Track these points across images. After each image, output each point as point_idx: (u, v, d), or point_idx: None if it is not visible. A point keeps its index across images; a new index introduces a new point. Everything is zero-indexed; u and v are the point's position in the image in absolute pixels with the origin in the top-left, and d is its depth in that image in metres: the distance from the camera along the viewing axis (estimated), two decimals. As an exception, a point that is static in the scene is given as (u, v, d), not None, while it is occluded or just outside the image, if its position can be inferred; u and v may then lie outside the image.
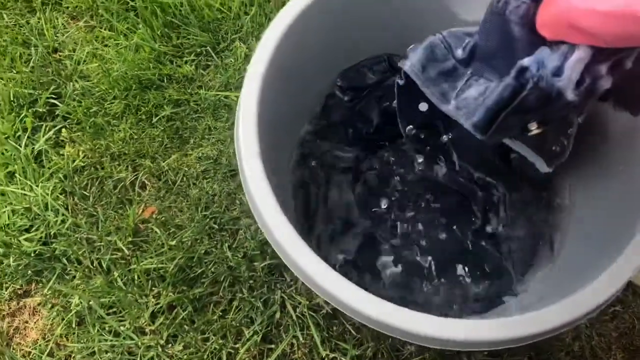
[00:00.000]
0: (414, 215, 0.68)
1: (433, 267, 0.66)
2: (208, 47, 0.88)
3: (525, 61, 0.38)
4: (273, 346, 0.72)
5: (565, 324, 0.46)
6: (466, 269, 0.66)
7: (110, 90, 0.85)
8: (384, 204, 0.69)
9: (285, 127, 0.67)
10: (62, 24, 0.92)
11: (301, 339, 0.72)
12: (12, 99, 0.84)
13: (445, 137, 0.63)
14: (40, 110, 0.84)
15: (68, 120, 0.84)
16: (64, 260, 0.76)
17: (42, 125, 0.84)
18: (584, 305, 0.46)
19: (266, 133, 0.53)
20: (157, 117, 0.84)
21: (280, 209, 0.49)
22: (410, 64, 0.49)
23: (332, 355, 0.71)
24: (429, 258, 0.66)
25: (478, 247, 0.67)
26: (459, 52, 0.47)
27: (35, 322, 0.75)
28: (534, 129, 0.44)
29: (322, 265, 0.47)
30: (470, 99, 0.45)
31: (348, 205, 0.70)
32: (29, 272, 0.76)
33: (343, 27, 0.62)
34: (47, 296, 0.75)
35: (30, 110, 0.84)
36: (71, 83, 0.86)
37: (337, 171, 0.71)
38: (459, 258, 0.66)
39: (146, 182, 0.81)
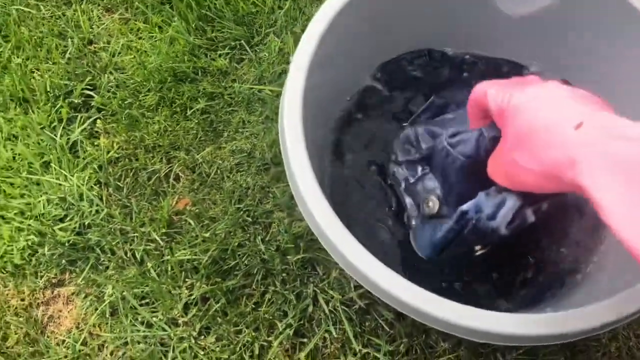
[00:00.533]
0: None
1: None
2: (242, 41, 0.89)
3: (465, 206, 0.48)
4: (306, 340, 0.72)
5: (613, 322, 0.46)
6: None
7: (145, 83, 0.86)
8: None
9: (324, 118, 0.68)
10: (97, 16, 0.93)
11: (334, 333, 0.72)
12: (48, 89, 0.86)
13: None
14: (76, 101, 0.86)
15: (103, 112, 0.86)
16: (98, 251, 0.77)
17: (77, 116, 0.85)
18: (632, 304, 0.46)
19: (308, 123, 0.54)
20: (192, 110, 0.85)
21: (325, 198, 0.50)
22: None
23: (364, 351, 0.71)
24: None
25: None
26: (423, 149, 0.59)
27: (69, 311, 0.76)
28: (478, 249, 0.58)
29: (367, 255, 0.48)
30: (420, 189, 0.59)
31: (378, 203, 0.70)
32: (63, 261, 0.77)
33: (386, 18, 0.63)
34: (81, 286, 0.76)
35: (65, 101, 0.85)
36: (106, 75, 0.88)
37: (372, 168, 0.71)
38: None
39: (180, 174, 0.82)
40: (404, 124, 0.69)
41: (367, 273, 0.46)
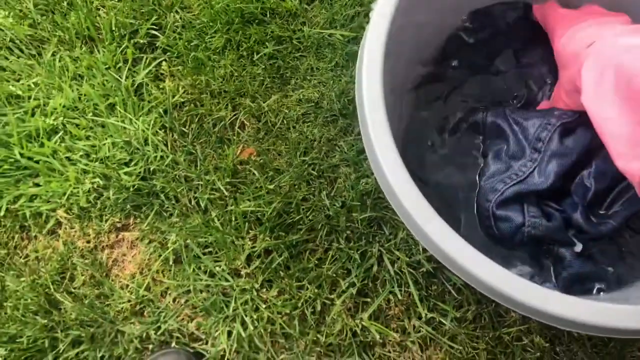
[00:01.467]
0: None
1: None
2: (313, -19, 0.85)
3: None
4: (369, 300, 0.72)
5: None
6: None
7: (211, 23, 0.84)
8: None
9: (405, 70, 0.64)
10: (164, -48, 0.90)
11: (399, 295, 0.71)
12: (113, 28, 0.85)
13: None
14: (141, 41, 0.84)
15: (168, 53, 0.84)
16: (162, 197, 0.77)
17: (143, 57, 0.84)
18: None
19: (388, 75, 0.50)
20: (259, 55, 0.82)
21: (403, 166, 0.47)
22: None
23: (430, 315, 0.70)
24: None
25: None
26: None
27: (133, 256, 0.77)
28: None
29: (447, 229, 0.45)
30: None
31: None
32: (128, 206, 0.78)
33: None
34: (145, 231, 0.77)
35: (131, 41, 0.84)
36: (172, 14, 0.86)
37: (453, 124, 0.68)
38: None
39: (245, 122, 0.80)
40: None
41: (449, 252, 0.44)
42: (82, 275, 0.75)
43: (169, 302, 0.74)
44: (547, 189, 0.56)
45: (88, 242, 0.77)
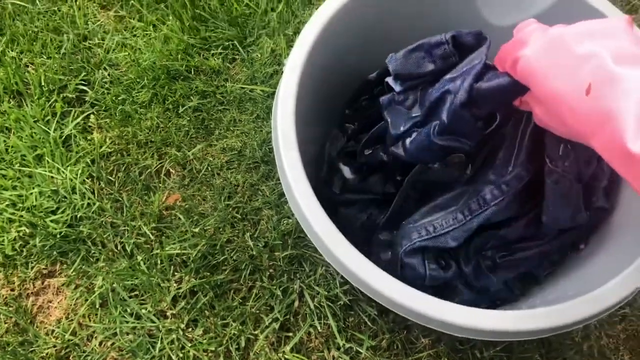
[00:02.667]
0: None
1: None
2: (235, 41, 0.94)
3: None
4: (291, 334, 0.77)
5: (581, 320, 0.51)
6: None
7: (138, 79, 0.91)
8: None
9: (319, 122, 0.72)
10: (93, 13, 0.97)
11: (319, 328, 0.77)
12: (42, 83, 0.90)
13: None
14: (70, 96, 0.90)
15: (96, 107, 0.90)
16: (89, 243, 0.81)
17: (71, 110, 0.89)
18: (601, 303, 0.51)
19: (301, 125, 0.58)
20: (184, 108, 0.89)
21: (315, 197, 0.54)
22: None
23: (348, 345, 0.76)
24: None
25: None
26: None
27: (59, 302, 0.79)
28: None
29: (359, 256, 0.52)
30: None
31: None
32: (55, 252, 0.81)
33: (378, 30, 0.68)
34: (72, 277, 0.80)
35: (60, 96, 0.89)
36: (100, 71, 0.92)
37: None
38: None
39: (171, 170, 0.86)
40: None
41: (350, 267, 0.51)
42: (5, 323, 0.77)
43: (95, 345, 0.76)
44: (451, 248, 0.63)
45: (12, 289, 0.79)
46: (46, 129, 0.86)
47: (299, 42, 0.58)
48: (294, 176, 0.52)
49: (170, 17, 0.94)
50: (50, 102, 0.88)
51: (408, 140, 0.60)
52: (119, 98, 0.89)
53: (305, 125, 0.59)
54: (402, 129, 0.60)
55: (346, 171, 0.73)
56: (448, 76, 0.57)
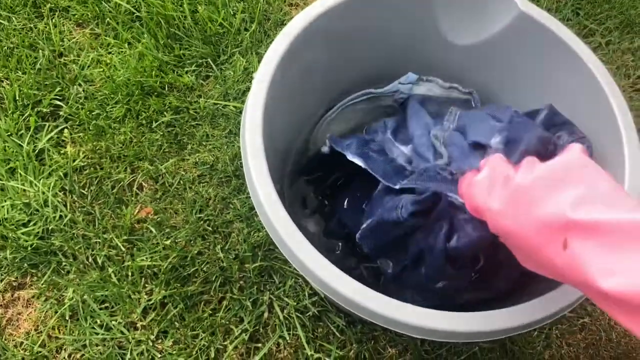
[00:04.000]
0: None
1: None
2: (209, 59, 0.97)
3: None
4: (260, 345, 0.79)
5: (539, 320, 0.53)
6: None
7: (112, 95, 0.93)
8: None
9: (285, 138, 0.76)
10: (69, 30, 1.01)
11: (288, 338, 0.79)
12: (16, 98, 0.92)
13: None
14: (44, 110, 0.92)
15: (70, 122, 0.92)
16: (60, 255, 0.83)
17: (45, 125, 0.91)
18: (556, 304, 0.54)
19: (268, 140, 0.61)
20: (157, 123, 0.92)
21: (282, 206, 0.57)
22: None
23: (316, 356, 0.78)
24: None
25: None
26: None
27: (28, 314, 0.81)
28: None
29: (323, 260, 0.54)
30: None
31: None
32: (25, 265, 0.82)
33: (344, 49, 0.72)
34: (42, 289, 0.81)
35: (34, 110, 0.92)
36: (75, 86, 0.94)
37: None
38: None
39: (144, 183, 0.89)
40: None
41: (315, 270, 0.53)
42: (-26, 335, 0.78)
43: (64, 357, 0.77)
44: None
45: (-19, 302, 0.80)
46: (19, 142, 0.88)
47: (266, 57, 0.62)
48: (260, 182, 0.55)
49: (145, 35, 0.97)
50: (24, 117, 0.90)
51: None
52: (93, 113, 0.92)
53: (274, 134, 0.62)
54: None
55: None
56: (419, 236, 0.60)
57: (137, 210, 0.86)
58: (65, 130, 0.90)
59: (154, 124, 0.91)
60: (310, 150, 0.77)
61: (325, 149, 0.69)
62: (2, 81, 0.94)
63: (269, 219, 0.53)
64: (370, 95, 0.74)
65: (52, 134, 0.89)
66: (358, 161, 0.65)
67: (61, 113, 0.92)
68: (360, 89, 0.75)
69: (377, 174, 0.63)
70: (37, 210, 0.84)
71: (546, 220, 0.37)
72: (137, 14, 0.99)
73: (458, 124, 0.67)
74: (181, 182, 0.87)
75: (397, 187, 0.61)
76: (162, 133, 0.90)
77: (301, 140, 0.78)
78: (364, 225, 0.62)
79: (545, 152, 0.59)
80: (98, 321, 0.78)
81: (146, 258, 0.81)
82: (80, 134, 0.90)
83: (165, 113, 0.92)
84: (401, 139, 0.70)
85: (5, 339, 0.78)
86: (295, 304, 0.79)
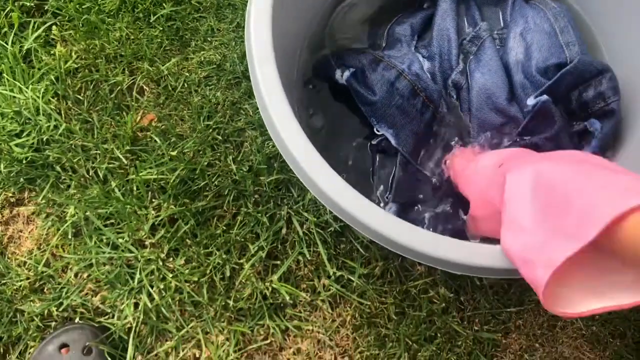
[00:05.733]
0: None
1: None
2: (211, -61, 0.86)
3: None
4: (279, 262, 0.74)
5: None
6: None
7: (103, -16, 0.83)
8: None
9: (296, 32, 0.67)
10: None
11: (308, 255, 0.74)
12: (-5, -10, 0.83)
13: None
14: (28, 4, 0.82)
15: (59, 17, 0.83)
16: (58, 168, 0.77)
17: (31, 21, 0.82)
18: None
19: (277, 36, 0.53)
20: (156, 16, 0.82)
21: (295, 118, 0.49)
22: None
23: (339, 274, 0.74)
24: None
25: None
26: None
27: (29, 232, 0.77)
28: None
29: (338, 180, 0.48)
30: None
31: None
32: (22, 179, 0.77)
33: None
34: (41, 205, 0.76)
35: (16, 4, 0.82)
36: (61, -25, 0.84)
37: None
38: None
39: (144, 87, 0.81)
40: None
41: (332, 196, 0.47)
42: (-26, 254, 0.74)
43: (71, 277, 0.74)
44: None
45: (-21, 219, 0.76)
46: (3, 42, 0.80)
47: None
48: (270, 91, 0.48)
49: None
50: (5, 12, 0.81)
51: None
52: (83, 7, 0.82)
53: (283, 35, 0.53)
54: None
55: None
56: None
57: (139, 117, 0.79)
58: (54, 27, 0.81)
59: (152, 18, 0.81)
60: (326, 47, 0.68)
61: (340, 79, 0.61)
62: (-22, -30, 0.84)
63: (290, 151, 0.46)
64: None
65: (39, 31, 0.81)
66: (387, 133, 0.62)
67: (47, 7, 0.82)
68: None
69: (407, 153, 0.62)
70: (30, 119, 0.77)
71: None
72: None
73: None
74: (186, 84, 0.79)
75: (427, 173, 0.65)
76: (161, 28, 0.81)
77: (314, 29, 0.68)
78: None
79: None
80: (103, 239, 0.74)
81: (152, 171, 0.75)
82: (71, 32, 0.81)
83: (164, 4, 0.82)
84: (425, 49, 0.62)
85: (8, 258, 0.75)
86: (315, 219, 0.74)
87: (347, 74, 0.61)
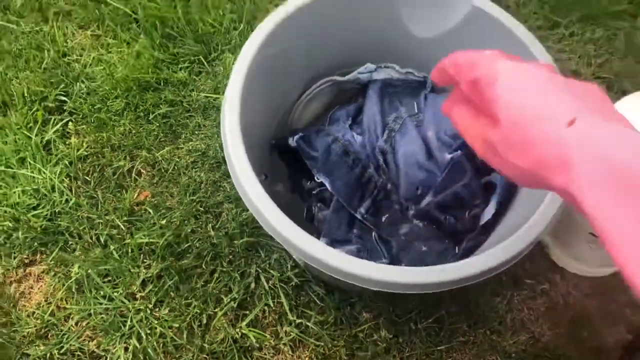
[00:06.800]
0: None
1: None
2: (201, 57, 1.08)
3: None
4: (247, 312, 0.89)
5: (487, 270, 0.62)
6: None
7: (112, 91, 1.05)
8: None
9: (263, 124, 0.86)
10: (72, 32, 1.12)
11: (272, 306, 0.89)
12: (25, 95, 1.03)
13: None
14: (50, 105, 1.03)
15: (74, 115, 1.03)
16: (67, 235, 0.94)
17: (52, 118, 1.03)
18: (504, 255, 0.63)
19: (247, 126, 0.71)
20: (154, 115, 1.03)
21: (257, 179, 0.67)
22: None
23: (298, 321, 0.88)
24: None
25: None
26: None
27: (39, 287, 0.92)
28: None
29: (284, 218, 0.65)
30: None
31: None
32: (35, 244, 0.93)
33: (318, 39, 0.82)
34: (51, 265, 0.92)
35: (41, 105, 1.03)
36: (78, 83, 1.06)
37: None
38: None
39: (142, 170, 1.00)
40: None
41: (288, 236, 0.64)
42: (-10, 306, 0.89)
43: (72, 324, 0.88)
44: None
45: (-3, 277, 0.91)
46: (29, 134, 1.00)
47: (243, 51, 0.72)
48: (237, 156, 0.66)
49: (142, 36, 1.08)
50: (32, 111, 1.02)
51: None
52: (95, 107, 1.03)
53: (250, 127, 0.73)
54: None
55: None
56: None
57: (136, 194, 0.96)
58: (70, 123, 1.01)
59: (151, 116, 1.02)
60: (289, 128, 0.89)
61: (292, 143, 0.80)
62: (12, 80, 1.05)
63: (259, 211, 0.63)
64: (334, 81, 0.85)
65: (58, 126, 1.01)
66: (324, 181, 0.77)
67: (66, 108, 1.03)
68: (331, 74, 0.86)
69: (340, 197, 0.76)
70: (46, 195, 0.95)
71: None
72: (135, 16, 1.11)
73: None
74: (176, 167, 0.98)
75: (357, 216, 0.77)
76: (158, 124, 1.01)
77: (279, 120, 0.88)
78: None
79: None
80: (101, 292, 0.89)
81: (144, 236, 0.92)
82: (84, 126, 1.01)
83: (161, 106, 1.03)
84: (358, 128, 0.82)
85: (19, 310, 0.89)
86: (279, 275, 0.90)
87: (296, 137, 0.80)
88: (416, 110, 0.85)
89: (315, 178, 0.79)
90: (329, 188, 0.76)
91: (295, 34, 0.77)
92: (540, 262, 0.92)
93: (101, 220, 0.93)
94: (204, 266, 0.91)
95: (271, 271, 0.90)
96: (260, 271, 0.91)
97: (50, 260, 0.91)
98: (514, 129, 0.33)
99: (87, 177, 0.97)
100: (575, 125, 0.29)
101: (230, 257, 0.91)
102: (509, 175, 0.36)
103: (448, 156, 0.78)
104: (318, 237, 0.77)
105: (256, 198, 0.64)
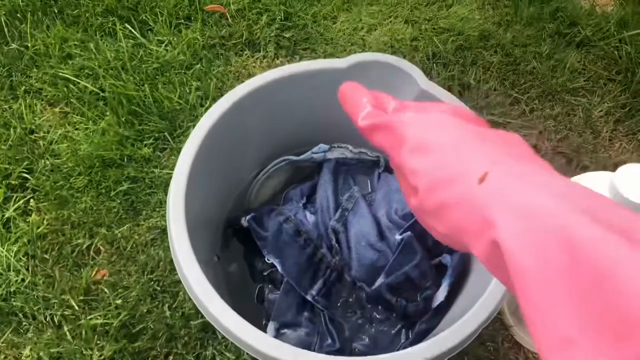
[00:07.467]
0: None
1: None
2: (165, 133, 1.10)
3: None
4: (202, 396, 0.87)
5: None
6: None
7: (76, 167, 1.05)
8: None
9: (217, 202, 0.87)
10: (40, 110, 1.14)
11: (227, 390, 0.87)
12: (-12, 172, 1.04)
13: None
14: (13, 182, 1.04)
15: (37, 192, 1.04)
16: (20, 316, 0.92)
17: (14, 196, 1.03)
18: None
19: (199, 205, 0.72)
20: (115, 192, 1.03)
21: (197, 264, 0.67)
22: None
23: (253, 406, 0.86)
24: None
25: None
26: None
27: (-12, 371, 0.90)
28: None
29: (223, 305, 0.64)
30: None
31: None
32: (-13, 325, 0.92)
33: (270, 121, 0.84)
34: (2, 348, 0.90)
35: (4, 183, 1.04)
36: (43, 160, 1.07)
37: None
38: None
39: (101, 247, 0.99)
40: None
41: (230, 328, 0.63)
42: (-63, 391, 0.87)
43: (19, 410, 0.86)
44: None
45: (-55, 360, 0.89)
46: (-12, 212, 1.00)
47: (192, 134, 0.73)
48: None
49: (108, 113, 1.10)
50: (-7, 189, 1.02)
51: None
52: (57, 184, 1.03)
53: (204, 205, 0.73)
54: None
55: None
56: None
57: (93, 273, 0.95)
58: (32, 200, 1.02)
59: (112, 193, 1.02)
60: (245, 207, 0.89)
61: (244, 223, 0.80)
62: (-23, 157, 1.06)
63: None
64: (290, 160, 0.85)
65: (19, 203, 1.01)
66: (275, 262, 0.77)
67: (28, 185, 1.03)
68: (287, 153, 0.87)
69: (290, 278, 0.75)
70: (1, 274, 0.94)
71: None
72: (102, 93, 1.13)
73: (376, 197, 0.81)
74: (135, 245, 0.98)
75: (308, 298, 0.76)
76: (119, 201, 1.01)
77: (236, 198, 0.89)
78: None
79: None
80: (52, 376, 0.87)
81: (99, 316, 0.91)
82: (45, 204, 1.01)
83: (123, 182, 1.03)
84: (311, 206, 0.83)
85: (-34, 395, 0.86)
86: (235, 358, 0.88)
87: (248, 217, 0.80)
88: (370, 189, 0.85)
89: (266, 259, 0.78)
90: (279, 269, 0.76)
91: (250, 114, 0.79)
92: (504, 342, 0.90)
93: (56, 300, 0.92)
94: (158, 348, 0.89)
95: (227, 353, 0.88)
96: (216, 353, 0.89)
97: (2, 342, 0.89)
98: (427, 195, 0.30)
99: (45, 255, 0.96)
100: (488, 180, 0.27)
101: (186, 338, 0.90)
102: (437, 238, 0.33)
103: (399, 237, 0.78)
104: (267, 320, 0.76)
105: (196, 284, 0.64)
